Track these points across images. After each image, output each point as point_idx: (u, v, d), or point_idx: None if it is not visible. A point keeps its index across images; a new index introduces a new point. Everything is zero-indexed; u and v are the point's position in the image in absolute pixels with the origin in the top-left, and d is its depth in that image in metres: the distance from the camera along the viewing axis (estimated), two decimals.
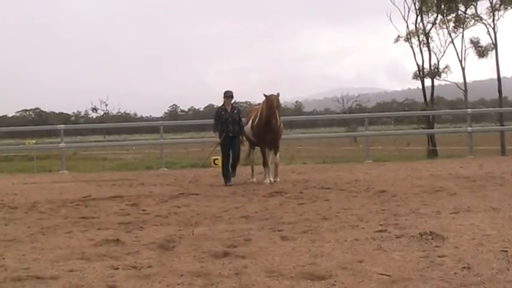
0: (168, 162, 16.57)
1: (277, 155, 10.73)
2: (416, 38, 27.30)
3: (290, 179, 11.14)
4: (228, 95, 10.70)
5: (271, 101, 10.03)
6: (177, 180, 11.72)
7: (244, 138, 10.95)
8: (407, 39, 27.37)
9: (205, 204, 7.72)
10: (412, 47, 27.31)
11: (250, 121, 10.80)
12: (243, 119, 10.84)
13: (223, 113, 10.61)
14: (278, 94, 10.28)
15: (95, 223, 6.34)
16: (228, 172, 10.54)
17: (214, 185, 10.44)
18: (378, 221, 5.81)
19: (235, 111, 10.70)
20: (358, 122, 41.81)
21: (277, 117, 9.94)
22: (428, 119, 26.28)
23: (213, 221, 6.27)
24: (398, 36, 27.97)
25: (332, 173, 12.16)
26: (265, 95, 10.28)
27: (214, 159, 14.79)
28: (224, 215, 6.74)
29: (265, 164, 10.60)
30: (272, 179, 10.43)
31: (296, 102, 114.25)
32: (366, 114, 19.21)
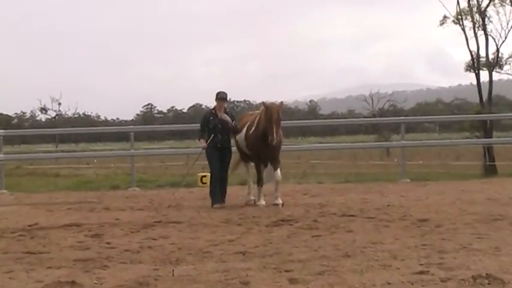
0: (140, 180, 16.57)
1: (278, 169, 10.89)
2: (470, 19, 27.34)
3: (301, 202, 11.14)
4: (221, 97, 10.97)
5: (271, 114, 10.31)
6: (152, 203, 11.74)
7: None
8: (458, 20, 27.40)
9: (190, 236, 7.73)
10: (464, 30, 27.31)
11: (245, 129, 11.06)
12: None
13: (211, 118, 10.93)
14: (281, 103, 10.59)
15: (44, 260, 6.34)
16: (217, 191, 10.81)
17: (201, 209, 10.46)
18: (417, 260, 5.83)
19: (229, 118, 10.99)
20: (392, 128, 42.06)
21: (275, 134, 10.22)
22: (484, 125, 26.20)
23: (200, 258, 6.29)
24: (445, 17, 28.03)
25: (357, 195, 12.17)
26: (264, 104, 10.53)
27: (202, 177, 14.81)
28: (214, 250, 6.75)
29: (260, 182, 10.87)
30: (264, 202, 10.67)
31: (310, 101, 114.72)
32: (402, 118, 19.25)
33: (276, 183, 10.81)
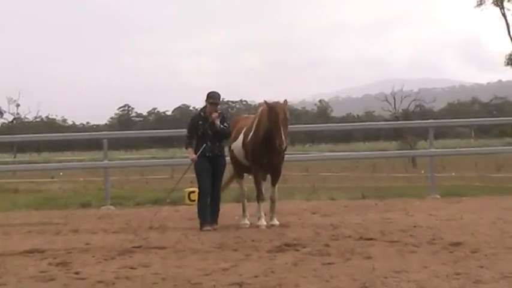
0: (116, 197, 16.52)
1: (276, 186, 10.99)
2: None
3: (310, 223, 11.13)
4: (213, 102, 10.96)
5: (276, 114, 10.31)
6: (130, 224, 11.73)
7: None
8: (497, 1, 27.42)
9: (176, 264, 7.73)
10: (504, 14, 27.37)
11: (241, 136, 11.07)
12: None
13: (201, 122, 10.94)
14: (285, 102, 10.64)
15: None
16: (207, 211, 10.81)
17: (189, 232, 10.45)
18: None
19: (220, 121, 10.96)
20: (419, 133, 42.03)
21: (283, 138, 10.22)
22: None
23: None
24: None
25: (376, 214, 12.18)
26: (266, 103, 10.57)
27: (190, 193, 14.78)
28: (205, 281, 6.74)
29: (260, 197, 10.90)
30: (265, 222, 10.71)
31: (320, 101, 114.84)
32: (431, 121, 19.27)
33: (271, 202, 10.90)
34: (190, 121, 11.24)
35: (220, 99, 11.21)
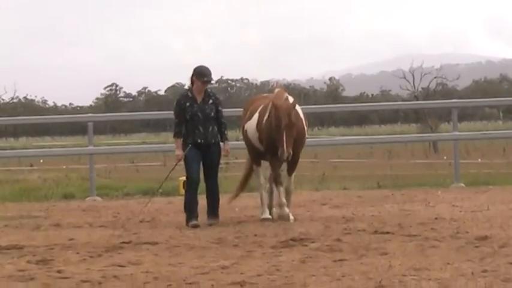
0: (102, 187, 16.54)
1: (292, 175, 10.87)
2: None
3: (320, 215, 11.15)
4: (206, 80, 10.71)
5: (279, 118, 10.09)
6: (118, 218, 11.73)
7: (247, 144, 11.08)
8: None
9: (170, 262, 7.73)
10: None
11: (256, 116, 10.88)
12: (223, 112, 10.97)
13: (188, 104, 10.67)
14: (294, 102, 10.42)
15: None
16: (195, 204, 10.66)
17: (184, 226, 10.47)
18: None
19: (211, 102, 10.75)
20: (441, 115, 41.94)
21: (285, 146, 10.00)
22: None
23: None
24: None
25: (394, 205, 12.18)
26: (272, 101, 10.34)
27: (184, 183, 14.79)
28: (203, 280, 6.74)
29: (277, 182, 10.70)
30: (287, 211, 10.57)
31: (330, 80, 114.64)
32: (454, 101, 19.28)
33: (286, 194, 10.76)
34: (176, 104, 10.86)
35: (211, 77, 10.87)
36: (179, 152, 10.70)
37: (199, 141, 10.60)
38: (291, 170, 10.82)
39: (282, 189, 10.68)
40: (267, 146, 10.69)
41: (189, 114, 10.62)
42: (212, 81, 11.02)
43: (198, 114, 10.60)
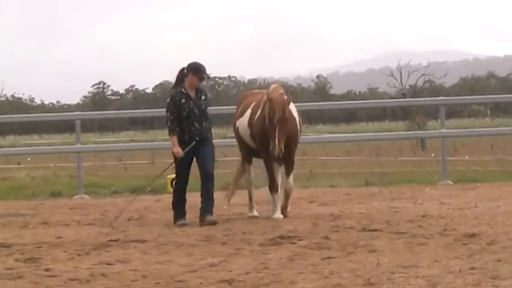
0: (90, 185, 16.52)
1: (291, 176, 10.81)
2: None
3: (308, 213, 11.15)
4: (202, 76, 10.69)
5: (273, 111, 10.04)
6: (106, 216, 11.70)
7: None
8: None
9: (158, 259, 7.73)
10: None
11: (249, 112, 10.83)
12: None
13: (183, 100, 10.54)
14: (289, 98, 10.35)
15: None
16: (183, 202, 10.62)
17: (172, 223, 10.46)
18: None
19: (203, 98, 10.72)
20: (429, 112, 42.04)
21: (277, 140, 9.92)
22: None
23: None
24: None
25: (382, 202, 12.20)
26: (267, 94, 10.29)
27: (172, 180, 14.77)
28: (191, 278, 6.74)
29: (273, 187, 10.67)
30: (282, 215, 10.56)
31: (317, 77, 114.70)
32: (442, 98, 19.31)
33: (285, 195, 10.76)
34: (170, 101, 10.66)
35: (206, 74, 10.90)
36: (177, 150, 10.48)
37: (197, 138, 10.47)
38: (289, 168, 10.75)
39: (276, 196, 10.63)
40: (259, 143, 10.63)
41: (186, 110, 10.47)
42: (204, 78, 10.87)
43: (195, 111, 10.48)
